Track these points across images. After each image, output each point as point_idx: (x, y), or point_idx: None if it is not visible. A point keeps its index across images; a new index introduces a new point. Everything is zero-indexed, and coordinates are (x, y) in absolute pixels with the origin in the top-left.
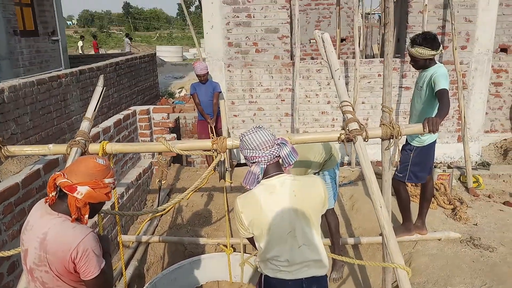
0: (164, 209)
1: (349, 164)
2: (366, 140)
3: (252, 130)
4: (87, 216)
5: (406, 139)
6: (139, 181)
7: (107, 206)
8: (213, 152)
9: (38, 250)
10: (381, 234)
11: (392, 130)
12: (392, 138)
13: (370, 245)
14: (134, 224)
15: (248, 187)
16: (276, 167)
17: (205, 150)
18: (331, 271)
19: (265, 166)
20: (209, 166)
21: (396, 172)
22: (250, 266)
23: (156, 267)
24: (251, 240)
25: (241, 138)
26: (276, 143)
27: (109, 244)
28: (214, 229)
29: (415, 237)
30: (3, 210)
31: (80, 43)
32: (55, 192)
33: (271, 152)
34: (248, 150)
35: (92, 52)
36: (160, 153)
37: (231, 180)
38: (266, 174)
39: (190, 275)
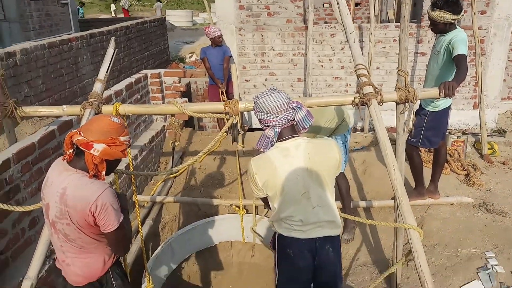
0: (178, 171)
1: (362, 129)
2: (381, 104)
3: (267, 93)
4: (104, 172)
5: (420, 104)
6: (152, 144)
7: (121, 167)
8: (225, 115)
9: (59, 204)
10: (393, 198)
11: (408, 94)
12: (407, 102)
13: (381, 208)
14: (148, 185)
15: (262, 150)
16: (290, 131)
17: (217, 113)
18: (343, 232)
19: (279, 130)
20: (221, 131)
21: (409, 137)
22: (266, 221)
23: (171, 226)
24: (265, 200)
25: (255, 100)
26: (291, 106)
27: (126, 201)
28: (227, 191)
29: (427, 201)
30: (21, 168)
31: (113, 7)
32: (72, 150)
33: (285, 116)
34: (262, 113)
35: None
36: (173, 115)
37: (243, 144)
38: (280, 137)
39: (204, 235)
